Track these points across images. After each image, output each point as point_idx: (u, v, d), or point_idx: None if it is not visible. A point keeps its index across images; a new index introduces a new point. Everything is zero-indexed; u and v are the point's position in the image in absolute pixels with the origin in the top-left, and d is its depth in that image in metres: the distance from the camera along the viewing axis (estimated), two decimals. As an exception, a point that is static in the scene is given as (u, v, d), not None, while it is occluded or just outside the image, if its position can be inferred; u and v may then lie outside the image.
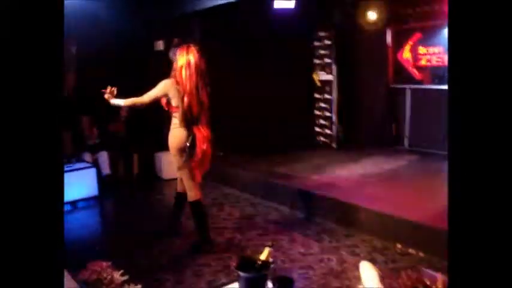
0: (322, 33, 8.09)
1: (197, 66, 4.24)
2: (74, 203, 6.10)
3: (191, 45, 4.37)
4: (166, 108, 4.37)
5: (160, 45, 7.92)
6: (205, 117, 4.35)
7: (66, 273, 2.88)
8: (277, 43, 7.51)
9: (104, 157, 7.07)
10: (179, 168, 4.38)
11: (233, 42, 7.13)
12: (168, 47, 7.70)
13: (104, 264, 2.25)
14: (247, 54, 7.25)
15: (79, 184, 6.17)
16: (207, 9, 6.61)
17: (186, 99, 4.17)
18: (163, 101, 4.34)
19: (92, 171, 6.36)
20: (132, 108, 5.03)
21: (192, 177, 4.32)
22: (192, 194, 4.34)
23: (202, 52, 5.71)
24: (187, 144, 4.18)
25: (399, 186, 5.57)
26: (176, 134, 4.25)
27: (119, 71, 7.68)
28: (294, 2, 6.74)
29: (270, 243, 2.39)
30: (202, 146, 4.21)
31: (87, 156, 6.99)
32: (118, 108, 5.92)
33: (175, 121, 4.26)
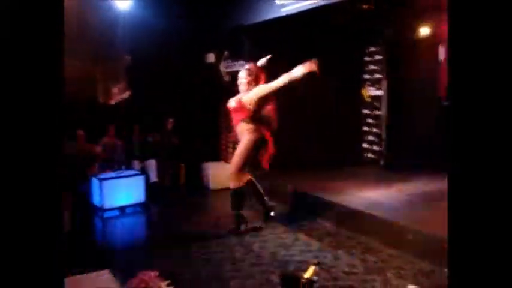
0: (372, 48, 8.00)
1: None
2: (122, 209, 6.27)
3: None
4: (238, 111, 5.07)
5: (211, 57, 8.06)
6: None
7: (113, 279, 2.96)
8: (326, 58, 7.47)
9: (152, 165, 7.26)
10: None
11: (282, 57, 7.14)
12: (219, 59, 7.85)
13: (152, 274, 2.29)
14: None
15: (127, 190, 6.34)
16: (257, 23, 6.68)
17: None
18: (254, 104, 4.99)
19: (140, 179, 6.52)
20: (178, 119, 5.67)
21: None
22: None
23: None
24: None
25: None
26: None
27: (170, 82, 7.89)
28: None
29: (315, 261, 2.36)
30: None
31: (136, 164, 7.19)
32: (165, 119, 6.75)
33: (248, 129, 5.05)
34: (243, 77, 5.11)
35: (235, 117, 5.16)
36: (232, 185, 5.20)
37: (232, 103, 5.11)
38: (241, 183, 5.17)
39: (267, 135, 5.13)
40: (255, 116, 5.03)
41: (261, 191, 5.44)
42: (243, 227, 5.26)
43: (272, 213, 5.49)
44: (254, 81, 5.07)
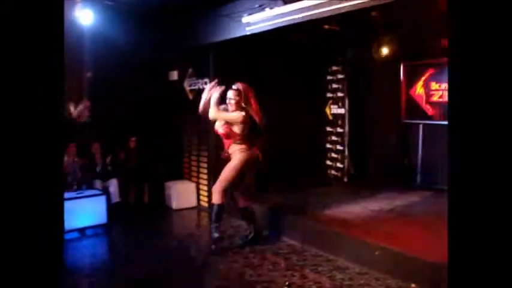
0: (335, 67, 8.15)
1: None
2: (82, 230, 6.06)
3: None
4: (229, 136, 5.07)
5: (174, 75, 7.99)
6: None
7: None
8: (289, 76, 7.56)
9: (114, 185, 7.07)
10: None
11: (246, 75, 7.14)
12: (183, 77, 7.80)
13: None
14: (260, 87, 7.25)
15: (88, 211, 6.13)
16: (222, 41, 6.68)
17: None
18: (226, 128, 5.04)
19: (102, 199, 6.32)
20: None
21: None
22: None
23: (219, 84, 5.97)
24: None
25: (412, 223, 5.47)
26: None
27: (132, 99, 7.76)
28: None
29: (287, 283, 2.33)
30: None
31: (98, 184, 6.98)
32: (127, 138, 6.64)
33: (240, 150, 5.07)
34: (232, 98, 5.08)
35: (226, 141, 5.17)
36: (215, 200, 5.16)
37: (220, 129, 5.11)
38: (223, 200, 5.14)
39: (259, 154, 5.16)
40: (245, 136, 5.07)
41: (254, 217, 5.52)
42: (213, 247, 5.16)
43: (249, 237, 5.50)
44: (243, 101, 5.09)
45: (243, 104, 5.09)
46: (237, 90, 5.11)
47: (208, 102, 5.12)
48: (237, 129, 5.04)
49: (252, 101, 5.12)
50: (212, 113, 5.05)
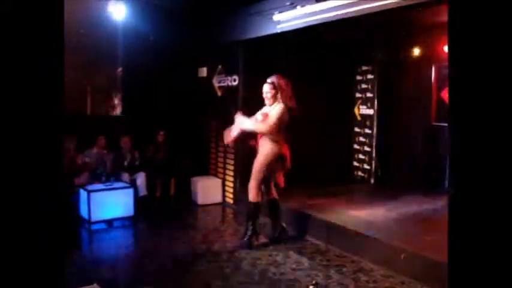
0: (364, 67, 8.06)
1: None
2: (109, 222, 6.17)
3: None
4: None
5: (203, 71, 8.04)
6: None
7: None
8: (318, 75, 7.51)
9: (141, 178, 7.17)
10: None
11: (275, 73, 7.13)
12: (212, 73, 7.85)
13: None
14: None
15: (116, 203, 6.24)
16: (252, 38, 6.69)
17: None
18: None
19: (130, 192, 6.43)
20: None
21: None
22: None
23: (244, 81, 5.94)
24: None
25: (439, 228, 5.36)
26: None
27: (162, 94, 7.86)
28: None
29: (314, 281, 2.33)
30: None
31: (126, 176, 7.10)
32: (156, 132, 6.73)
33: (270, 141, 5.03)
34: (267, 91, 5.10)
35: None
36: (250, 197, 5.19)
37: (259, 116, 5.12)
38: (258, 198, 5.17)
39: (286, 150, 5.15)
40: (278, 130, 5.03)
41: (280, 212, 5.49)
42: (253, 240, 5.24)
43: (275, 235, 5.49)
44: (279, 93, 5.07)
45: (279, 96, 5.06)
46: (272, 83, 5.10)
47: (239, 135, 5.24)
48: (273, 123, 4.99)
49: (289, 94, 5.08)
50: (261, 127, 5.04)
